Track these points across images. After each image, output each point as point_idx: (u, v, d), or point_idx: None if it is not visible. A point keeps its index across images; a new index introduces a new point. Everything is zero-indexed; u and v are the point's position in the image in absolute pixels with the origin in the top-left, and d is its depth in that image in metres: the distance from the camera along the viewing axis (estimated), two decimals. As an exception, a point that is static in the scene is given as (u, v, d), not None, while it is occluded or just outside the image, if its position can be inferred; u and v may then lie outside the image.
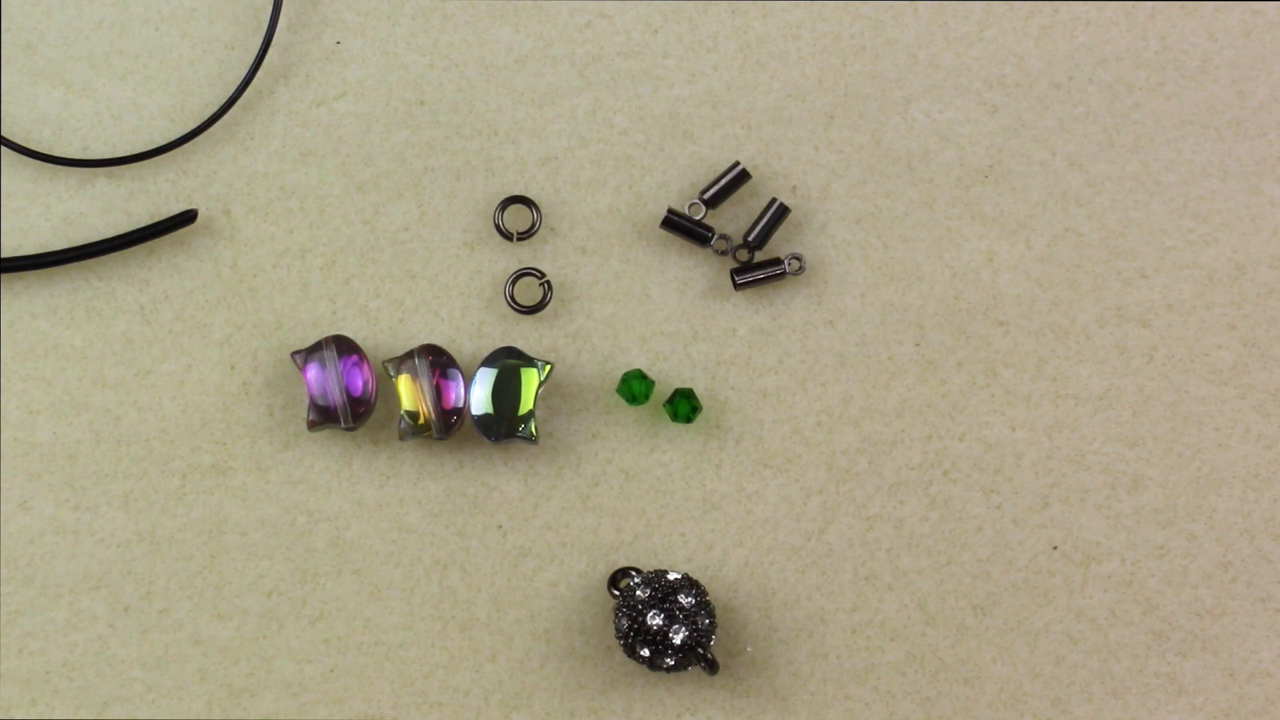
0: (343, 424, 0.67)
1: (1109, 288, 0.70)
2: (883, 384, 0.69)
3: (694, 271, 0.70)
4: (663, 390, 0.70)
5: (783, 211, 0.69)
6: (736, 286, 0.69)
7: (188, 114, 0.70)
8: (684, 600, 0.66)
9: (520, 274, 0.69)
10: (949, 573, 0.69)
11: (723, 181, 0.69)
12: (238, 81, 0.70)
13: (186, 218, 0.68)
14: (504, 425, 0.67)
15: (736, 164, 0.69)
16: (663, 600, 0.66)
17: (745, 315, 0.70)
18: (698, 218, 0.69)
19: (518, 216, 0.70)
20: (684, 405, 0.68)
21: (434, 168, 0.70)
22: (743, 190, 0.70)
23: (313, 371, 0.67)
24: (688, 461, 0.69)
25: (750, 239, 0.69)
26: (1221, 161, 0.70)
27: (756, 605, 0.69)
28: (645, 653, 0.66)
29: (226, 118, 0.70)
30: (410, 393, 0.67)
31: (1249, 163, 0.70)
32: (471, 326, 0.70)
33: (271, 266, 0.70)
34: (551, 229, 0.70)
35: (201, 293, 0.70)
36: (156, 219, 0.69)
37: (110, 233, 0.69)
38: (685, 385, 0.70)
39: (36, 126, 0.70)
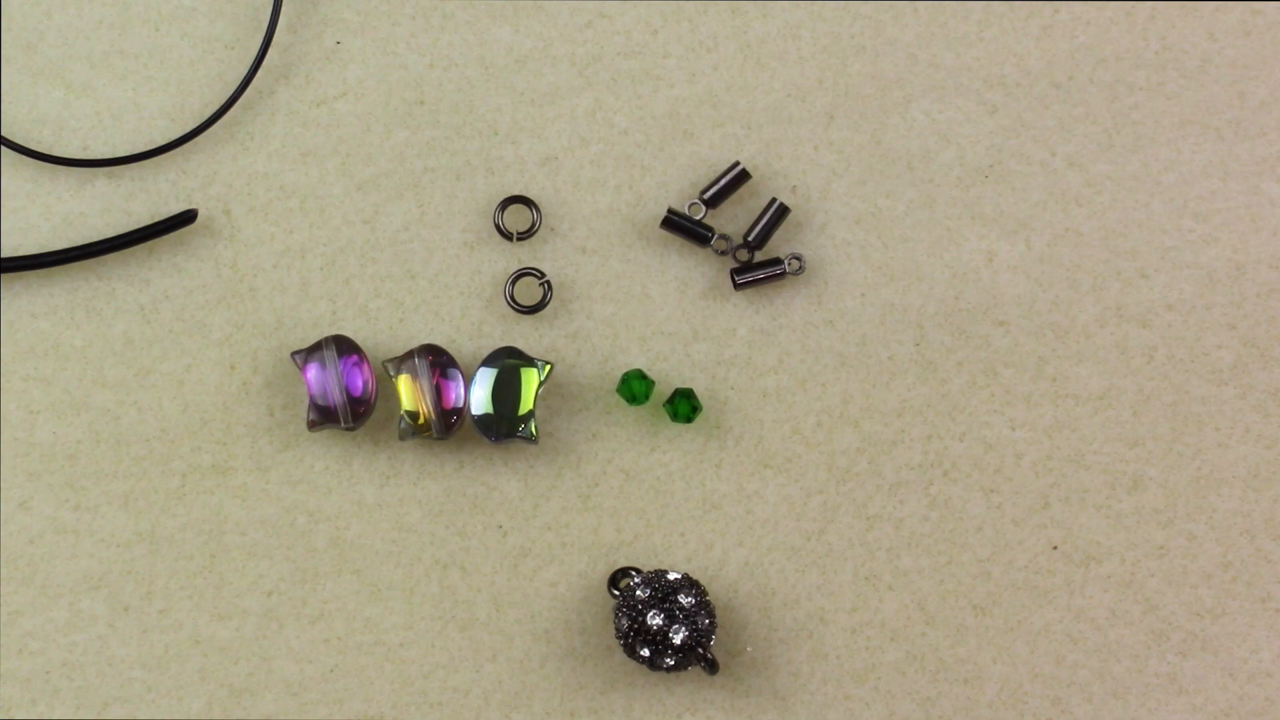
0: (343, 424, 0.67)
1: (1109, 288, 0.70)
2: (883, 384, 0.69)
3: (694, 271, 0.70)
4: (663, 390, 0.70)
5: (783, 211, 0.69)
6: (736, 286, 0.69)
7: (188, 114, 0.70)
8: (684, 600, 0.66)
9: (520, 274, 0.69)
10: (949, 573, 0.69)
11: (723, 181, 0.69)
12: (238, 81, 0.70)
13: (186, 218, 0.68)
14: (504, 425, 0.67)
15: (736, 164, 0.69)
16: (663, 600, 0.66)
17: (745, 315, 0.70)
18: (698, 217, 0.69)
19: (518, 216, 0.70)
20: (684, 405, 0.68)
21: (434, 168, 0.70)
22: (743, 190, 0.70)
23: (313, 371, 0.67)
24: (688, 461, 0.69)
25: (750, 239, 0.69)
26: (1222, 161, 0.70)
27: (756, 605, 0.69)
28: (645, 653, 0.66)
29: (226, 118, 0.70)
30: (410, 393, 0.67)
31: (1249, 162, 0.70)
32: (471, 326, 0.70)
33: (271, 266, 0.70)
34: (551, 229, 0.70)
35: (201, 293, 0.70)
36: (156, 219, 0.69)
37: (110, 233, 0.69)
38: (685, 385, 0.69)
39: (36, 126, 0.70)
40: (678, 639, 0.65)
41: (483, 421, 0.67)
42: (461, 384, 0.67)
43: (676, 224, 0.69)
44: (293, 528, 0.69)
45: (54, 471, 0.69)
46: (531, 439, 0.67)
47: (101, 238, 0.69)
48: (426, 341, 0.69)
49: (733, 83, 0.70)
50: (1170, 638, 0.69)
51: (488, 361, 0.67)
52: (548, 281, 0.69)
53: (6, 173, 0.70)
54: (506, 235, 0.70)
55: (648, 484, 0.69)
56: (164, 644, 0.69)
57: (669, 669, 0.66)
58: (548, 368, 0.67)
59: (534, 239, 0.70)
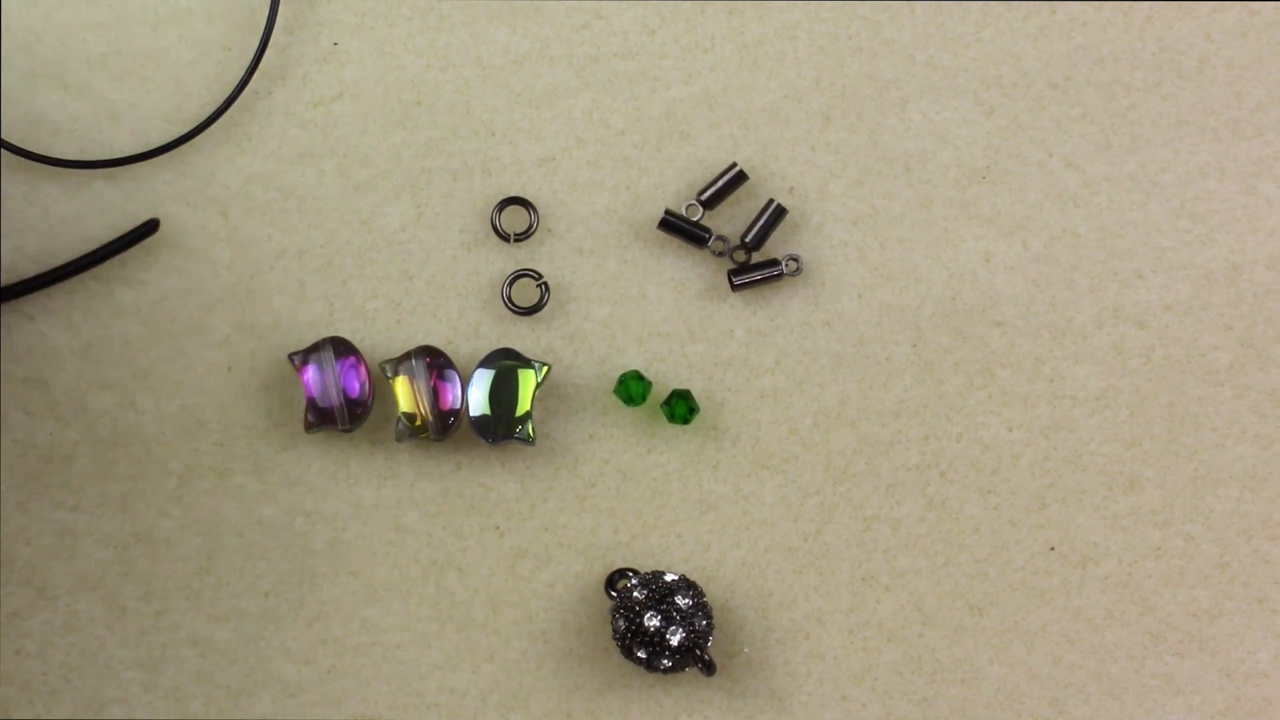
0: (340, 425, 0.67)
1: (1106, 288, 0.70)
2: (880, 385, 0.69)
3: (691, 272, 0.70)
4: (660, 391, 0.70)
5: (780, 212, 0.69)
6: (734, 287, 0.69)
7: (185, 115, 0.70)
8: (681, 601, 0.66)
9: (517, 275, 0.69)
10: (946, 573, 0.69)
11: (720, 182, 0.69)
12: (235, 82, 0.70)
13: (149, 229, 0.68)
14: (501, 426, 0.67)
15: (734, 165, 0.69)
16: (660, 601, 0.66)
17: (742, 316, 0.70)
18: (695, 219, 0.69)
19: (515, 217, 0.70)
20: (681, 406, 0.68)
21: (431, 169, 0.70)
22: (740, 191, 0.70)
23: (310, 373, 0.67)
24: (685, 462, 0.69)
25: (747, 240, 0.69)
26: (1218, 162, 0.70)
27: (754, 606, 0.69)
28: (642, 654, 0.66)
29: (224, 119, 0.70)
30: (407, 394, 0.67)
31: (1246, 163, 0.70)
32: (469, 328, 0.70)
33: (269, 268, 0.70)
34: (549, 230, 0.70)
35: (199, 294, 0.70)
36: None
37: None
38: (682, 386, 0.70)
39: (35, 128, 0.70)
40: (675, 640, 0.65)
41: (480, 423, 0.67)
42: (459, 385, 0.67)
43: (674, 225, 0.69)
44: (290, 529, 0.69)
45: (53, 472, 0.69)
46: (529, 440, 0.67)
47: (82, 252, 0.69)
48: (424, 343, 0.69)
49: (730, 84, 0.70)
50: (1167, 638, 0.69)
51: (485, 363, 0.68)
52: (545, 283, 0.69)
53: (5, 174, 0.70)
54: (504, 236, 0.70)
55: (645, 485, 0.69)
56: (161, 645, 0.69)
57: (666, 670, 0.66)
58: (545, 369, 0.67)
59: (531, 240, 0.70)
